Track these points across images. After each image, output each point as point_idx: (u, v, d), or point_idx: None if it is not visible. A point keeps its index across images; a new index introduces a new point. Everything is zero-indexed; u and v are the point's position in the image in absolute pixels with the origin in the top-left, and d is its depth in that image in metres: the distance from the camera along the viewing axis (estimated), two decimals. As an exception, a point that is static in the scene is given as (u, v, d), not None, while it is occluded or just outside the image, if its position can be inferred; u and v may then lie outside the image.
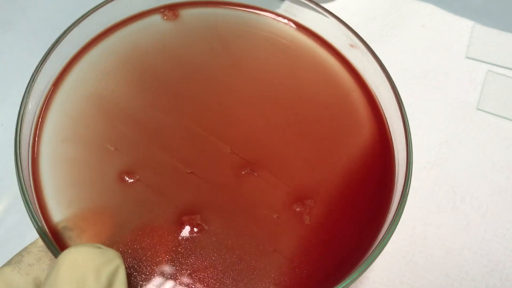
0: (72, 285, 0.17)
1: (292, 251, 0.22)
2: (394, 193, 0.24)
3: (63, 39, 0.24)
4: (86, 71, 0.26)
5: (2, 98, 0.34)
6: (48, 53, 0.24)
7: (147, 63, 0.26)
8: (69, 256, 0.17)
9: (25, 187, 0.20)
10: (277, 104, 0.26)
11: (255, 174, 0.23)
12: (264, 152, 0.24)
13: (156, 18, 0.28)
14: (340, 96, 0.27)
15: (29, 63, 0.37)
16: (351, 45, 0.28)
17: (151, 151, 0.24)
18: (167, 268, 0.21)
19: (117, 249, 0.21)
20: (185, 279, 0.21)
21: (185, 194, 0.23)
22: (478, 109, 0.35)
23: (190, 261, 0.21)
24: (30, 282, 0.19)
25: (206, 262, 0.21)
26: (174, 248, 0.21)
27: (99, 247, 0.18)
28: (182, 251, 0.21)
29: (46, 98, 0.24)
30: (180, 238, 0.21)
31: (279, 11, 0.29)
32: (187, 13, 0.28)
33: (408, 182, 0.22)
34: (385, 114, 0.26)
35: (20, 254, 0.20)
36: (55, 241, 0.20)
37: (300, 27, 0.29)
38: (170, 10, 0.28)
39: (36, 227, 0.20)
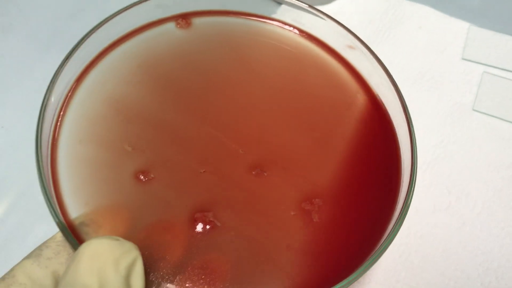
0: (93, 275, 0.17)
1: (304, 248, 0.22)
2: (399, 194, 0.24)
3: (79, 46, 0.25)
4: (104, 74, 0.27)
5: (2, 101, 0.35)
6: (68, 56, 0.25)
7: (162, 67, 0.27)
8: (90, 247, 0.18)
9: (46, 183, 0.21)
10: (286, 107, 0.27)
11: (265, 173, 0.24)
12: (274, 153, 0.25)
13: (170, 26, 0.29)
14: (345, 98, 0.28)
15: (29, 65, 0.37)
16: (350, 47, 0.28)
17: (166, 151, 0.24)
18: (179, 263, 0.21)
19: None
20: (197, 274, 0.21)
21: (198, 192, 0.23)
22: (474, 110, 0.36)
23: (202, 256, 0.22)
24: (49, 275, 0.19)
25: (219, 257, 0.22)
26: (187, 244, 0.22)
27: (117, 239, 0.19)
28: (194, 247, 0.22)
29: (64, 100, 0.25)
30: (193, 234, 0.22)
31: (282, 18, 0.31)
32: (199, 22, 0.30)
33: (413, 182, 0.23)
34: (390, 114, 0.27)
35: (39, 248, 0.20)
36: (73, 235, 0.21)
37: (302, 32, 0.30)
38: (183, 19, 0.29)
39: (57, 220, 0.20)
